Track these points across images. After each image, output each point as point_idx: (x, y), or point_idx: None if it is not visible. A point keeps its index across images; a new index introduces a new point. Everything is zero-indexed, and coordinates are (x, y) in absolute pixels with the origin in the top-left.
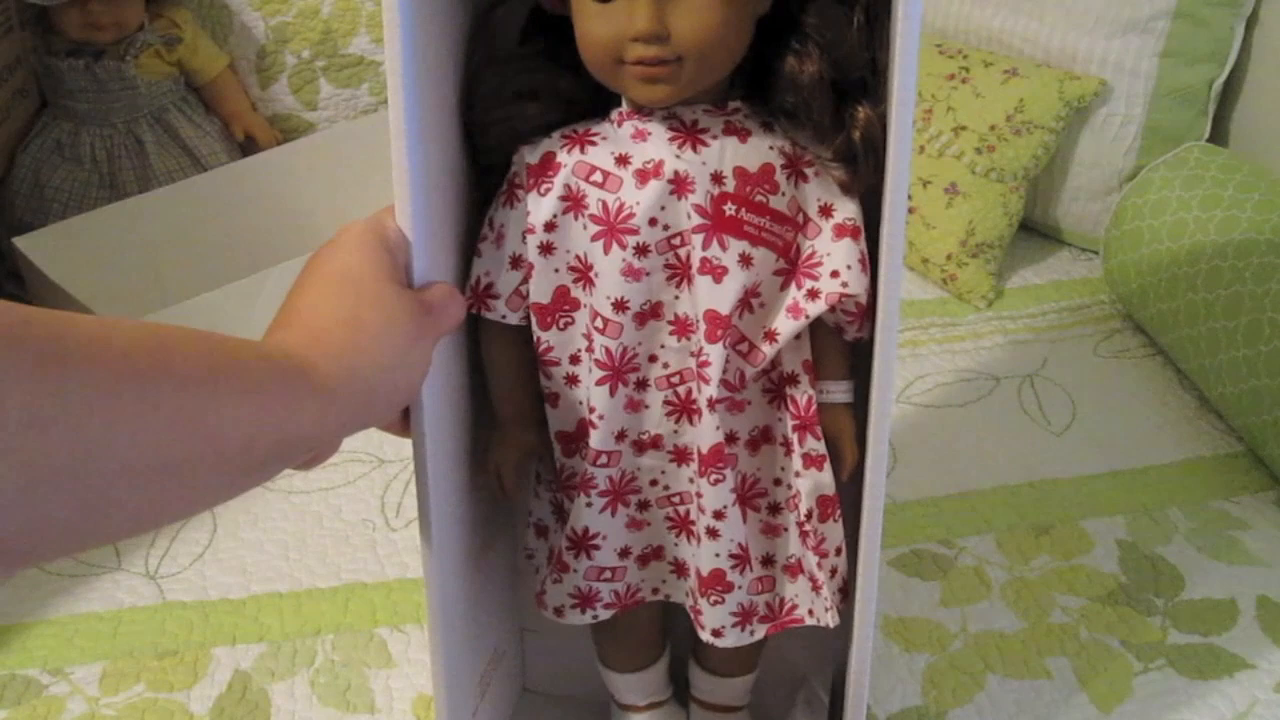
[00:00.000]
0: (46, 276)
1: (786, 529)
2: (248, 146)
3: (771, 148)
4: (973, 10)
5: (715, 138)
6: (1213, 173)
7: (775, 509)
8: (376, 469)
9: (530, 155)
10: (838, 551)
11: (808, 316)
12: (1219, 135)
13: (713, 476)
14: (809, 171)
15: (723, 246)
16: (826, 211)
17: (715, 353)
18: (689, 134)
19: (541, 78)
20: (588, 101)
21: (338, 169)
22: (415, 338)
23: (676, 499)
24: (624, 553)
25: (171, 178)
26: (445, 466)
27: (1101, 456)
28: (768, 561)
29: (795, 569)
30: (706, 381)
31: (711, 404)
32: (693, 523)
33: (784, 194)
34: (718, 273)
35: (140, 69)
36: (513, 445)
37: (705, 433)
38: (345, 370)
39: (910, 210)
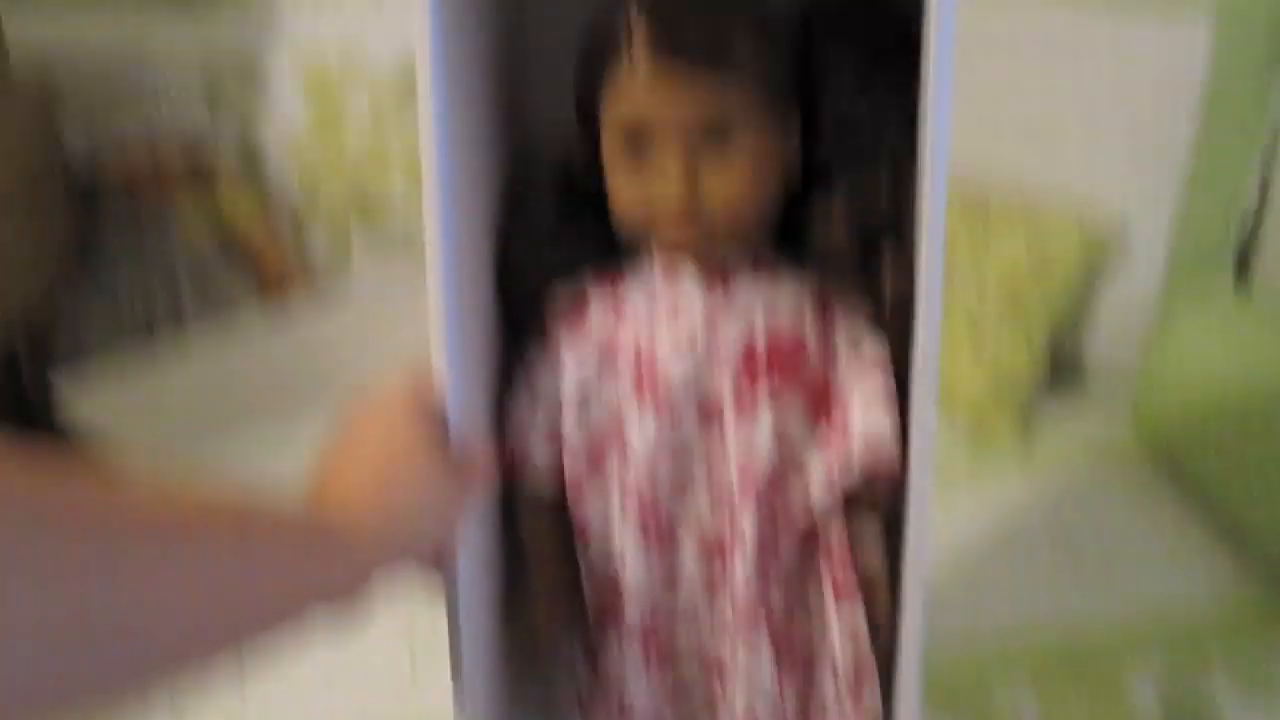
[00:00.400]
0: (85, 415)
1: (825, 693)
2: (282, 292)
3: (801, 290)
4: (992, 153)
5: (746, 282)
6: (1238, 314)
7: (811, 671)
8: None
9: (563, 310)
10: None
11: (839, 456)
12: (1243, 269)
13: (748, 646)
14: (838, 314)
15: (754, 391)
16: (855, 348)
17: (749, 519)
18: (720, 279)
19: (573, 235)
20: (619, 252)
21: (371, 316)
22: (448, 500)
23: (713, 662)
24: (658, 717)
25: (208, 321)
26: (479, 623)
27: (1137, 597)
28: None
29: None
30: (741, 545)
31: (746, 563)
32: (730, 686)
33: (814, 335)
34: (750, 418)
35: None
36: (549, 609)
37: (741, 599)
38: (377, 532)
39: None
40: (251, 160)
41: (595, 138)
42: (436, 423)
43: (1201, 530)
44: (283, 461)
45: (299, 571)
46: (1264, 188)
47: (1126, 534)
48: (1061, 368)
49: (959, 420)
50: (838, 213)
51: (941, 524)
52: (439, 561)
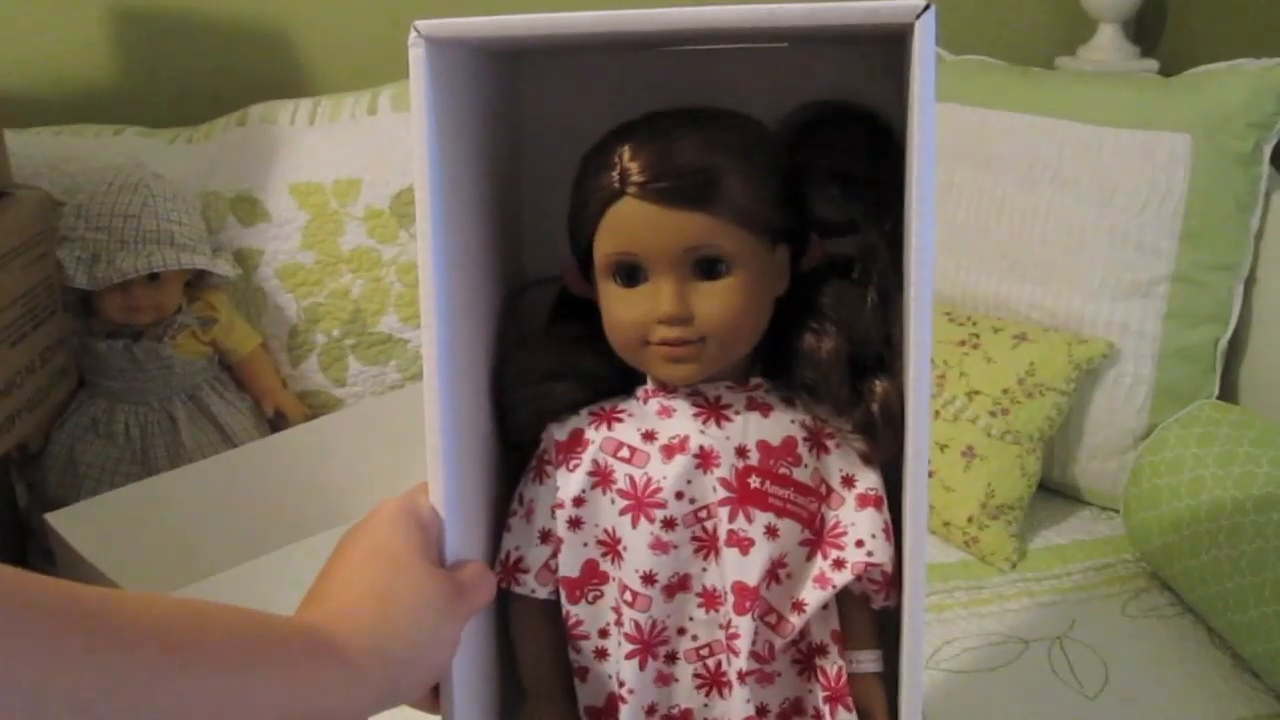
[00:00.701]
0: (77, 552)
1: None
2: (277, 422)
3: (793, 421)
4: (980, 279)
5: (738, 413)
6: (1225, 429)
7: None
8: None
9: (559, 433)
10: None
11: (834, 586)
12: (1228, 392)
13: None
14: (830, 444)
15: (748, 519)
16: (849, 482)
17: (744, 624)
18: (713, 410)
19: (569, 359)
20: (614, 381)
21: (366, 445)
22: (446, 616)
23: None
24: None
25: (203, 453)
26: None
27: (1138, 719)
28: None
29: None
30: (736, 654)
31: (741, 676)
32: None
33: (806, 466)
34: (744, 545)
35: (176, 349)
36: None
37: (736, 706)
38: (375, 648)
39: (929, 474)
40: (253, 292)
41: (590, 267)
42: (433, 536)
43: (1199, 645)
44: (282, 592)
45: (298, 685)
46: (1247, 297)
47: (1127, 653)
48: (1055, 488)
49: (953, 542)
50: (826, 331)
51: (938, 645)
52: (436, 677)
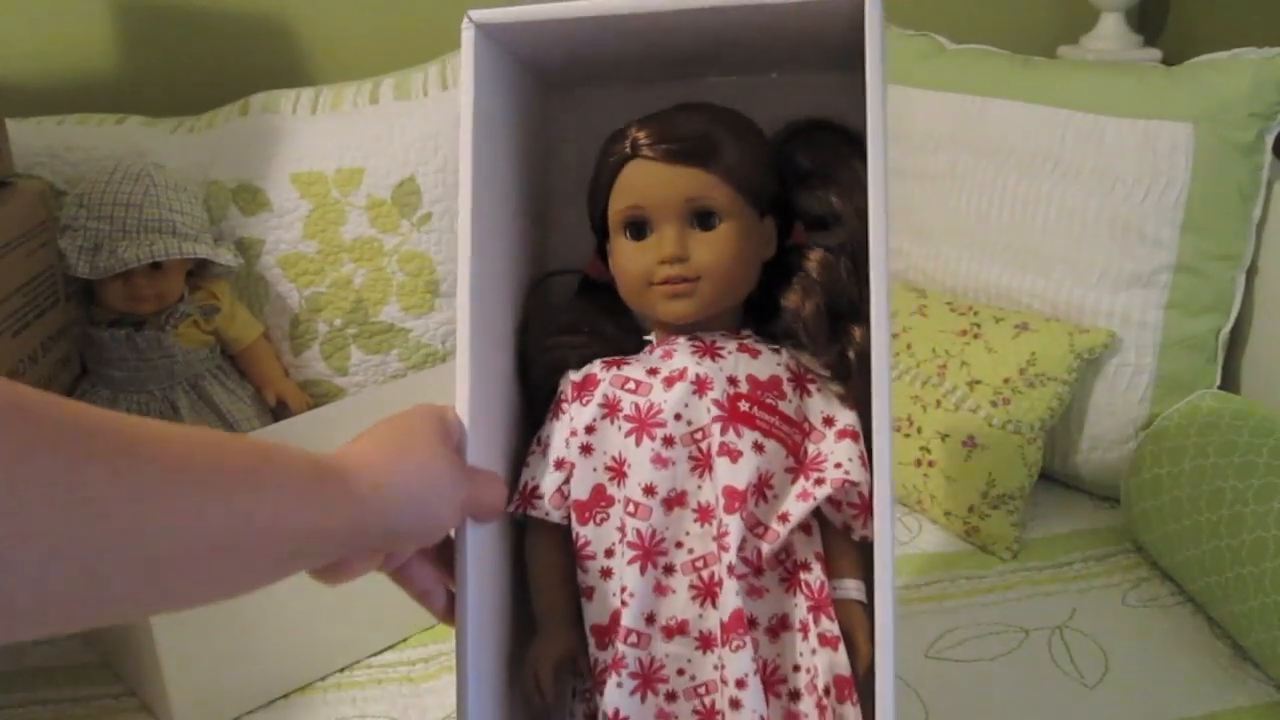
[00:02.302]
0: None
1: (807, 715)
2: (280, 412)
3: (779, 365)
4: (981, 269)
5: (730, 353)
6: (1226, 419)
7: (796, 695)
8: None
9: (574, 376)
10: None
11: (815, 499)
12: (1229, 382)
13: (734, 644)
14: (812, 387)
15: (738, 434)
16: (829, 421)
17: (734, 524)
18: (708, 349)
19: (586, 319)
20: (626, 344)
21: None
22: (451, 487)
23: (702, 689)
24: None
25: None
26: (486, 668)
27: (1137, 708)
28: None
29: None
30: (726, 550)
31: (731, 571)
32: (719, 713)
33: (790, 401)
34: (734, 455)
35: (179, 338)
36: (551, 643)
37: (727, 601)
38: (377, 482)
39: (930, 464)
40: (255, 281)
41: (606, 234)
42: (455, 437)
43: (1199, 635)
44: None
45: (303, 502)
46: (1249, 287)
47: (1127, 642)
48: (1056, 478)
49: (954, 531)
50: (808, 290)
51: (939, 634)
52: (431, 539)
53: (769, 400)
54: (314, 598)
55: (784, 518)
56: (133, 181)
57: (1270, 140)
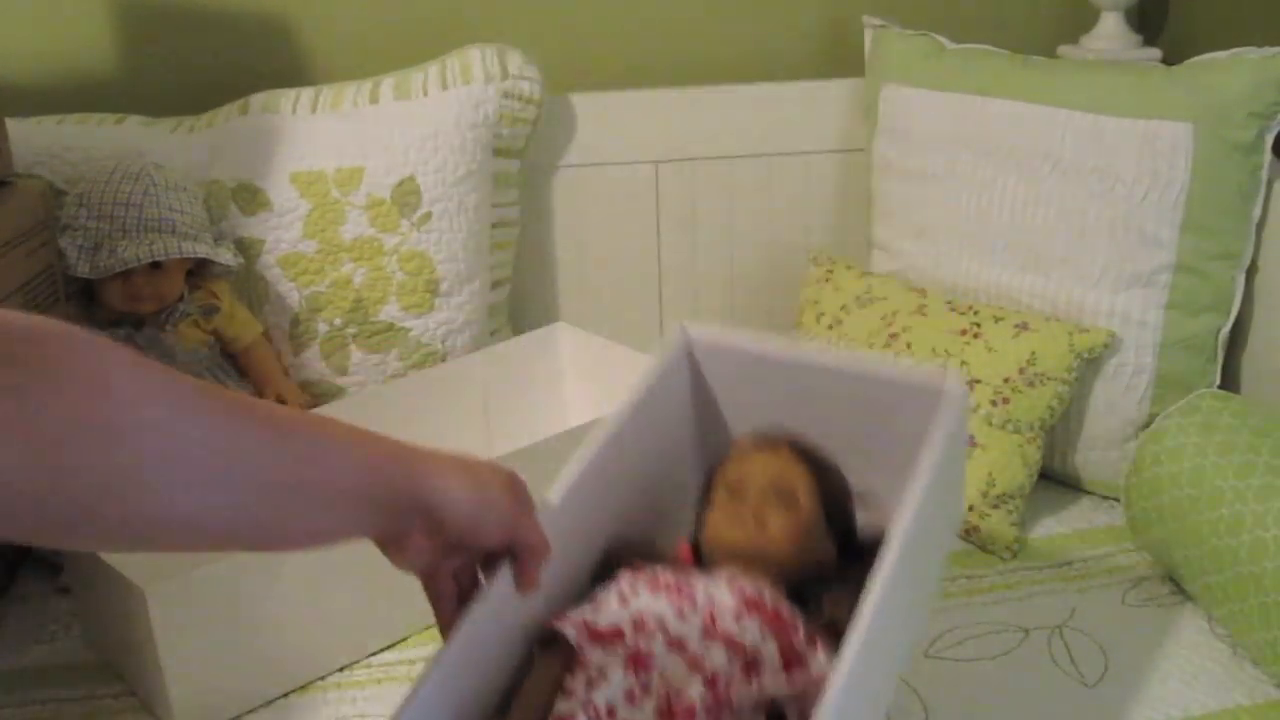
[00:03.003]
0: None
1: None
2: None
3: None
4: (981, 268)
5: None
6: (1226, 418)
7: None
8: None
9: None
10: None
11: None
12: (1229, 381)
13: None
14: (820, 645)
15: (740, 620)
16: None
17: (698, 686)
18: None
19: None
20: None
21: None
22: (503, 498)
23: None
24: None
25: None
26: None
27: (1137, 708)
28: None
29: None
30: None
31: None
32: None
33: (799, 640)
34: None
35: (178, 337)
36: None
37: None
38: (436, 467)
39: None
40: (255, 281)
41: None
42: (520, 495)
43: (1199, 634)
44: (287, 575)
45: (363, 461)
46: (1249, 286)
47: (1127, 642)
48: (1056, 478)
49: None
50: (830, 601)
51: (938, 633)
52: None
53: (777, 619)
54: (314, 597)
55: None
56: (132, 181)
57: (1270, 140)
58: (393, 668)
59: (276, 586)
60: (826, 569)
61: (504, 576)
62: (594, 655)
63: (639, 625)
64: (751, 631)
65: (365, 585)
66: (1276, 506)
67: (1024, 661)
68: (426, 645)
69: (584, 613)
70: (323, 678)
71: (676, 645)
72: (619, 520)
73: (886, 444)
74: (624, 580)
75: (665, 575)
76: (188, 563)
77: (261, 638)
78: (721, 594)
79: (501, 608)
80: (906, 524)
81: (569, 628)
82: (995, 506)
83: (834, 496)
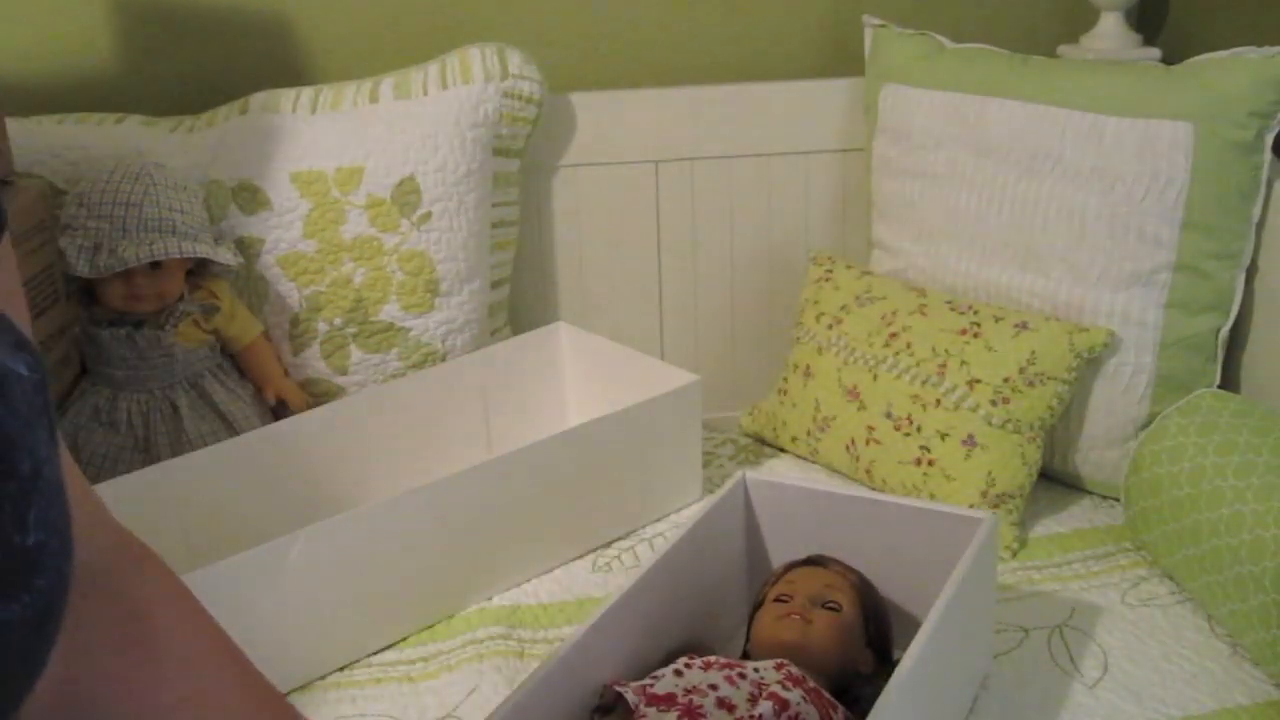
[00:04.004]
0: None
1: None
2: (279, 411)
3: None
4: (981, 268)
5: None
6: (1226, 418)
7: None
8: None
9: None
10: None
11: None
12: (1229, 381)
13: None
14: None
15: (786, 686)
16: None
17: None
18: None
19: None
20: None
21: (368, 433)
22: None
23: None
24: None
25: (205, 442)
26: None
27: (1136, 708)
28: None
29: None
30: None
31: None
32: None
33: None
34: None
35: (179, 337)
36: None
37: None
38: None
39: (930, 463)
40: (255, 281)
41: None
42: None
43: (1198, 634)
44: (283, 579)
45: None
46: (1248, 286)
47: (1126, 641)
48: (1056, 477)
49: None
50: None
51: None
52: None
53: (818, 698)
54: (314, 597)
55: None
56: (132, 181)
57: (1270, 139)
58: (392, 667)
59: (276, 586)
60: (865, 680)
61: (568, 647)
62: (650, 713)
63: (692, 690)
64: (795, 696)
65: (365, 585)
66: (1276, 506)
67: (1024, 661)
68: (426, 645)
69: (643, 683)
70: (323, 677)
71: (726, 706)
72: (680, 627)
73: (921, 574)
74: (680, 661)
75: (718, 660)
76: (187, 563)
77: (261, 638)
78: (769, 672)
79: (564, 678)
80: (932, 623)
81: (629, 692)
82: (995, 506)
83: (874, 610)
